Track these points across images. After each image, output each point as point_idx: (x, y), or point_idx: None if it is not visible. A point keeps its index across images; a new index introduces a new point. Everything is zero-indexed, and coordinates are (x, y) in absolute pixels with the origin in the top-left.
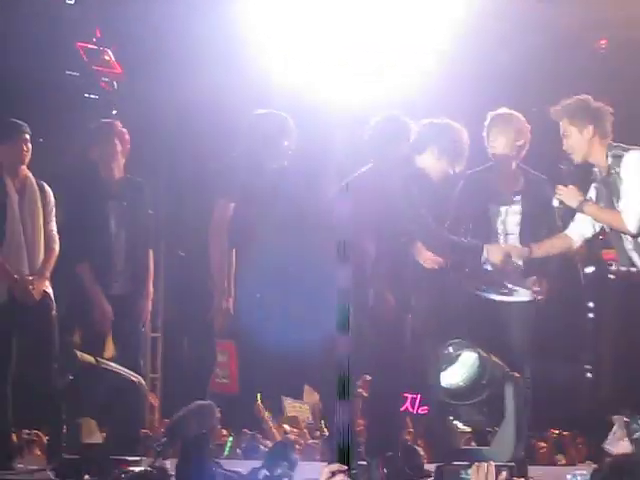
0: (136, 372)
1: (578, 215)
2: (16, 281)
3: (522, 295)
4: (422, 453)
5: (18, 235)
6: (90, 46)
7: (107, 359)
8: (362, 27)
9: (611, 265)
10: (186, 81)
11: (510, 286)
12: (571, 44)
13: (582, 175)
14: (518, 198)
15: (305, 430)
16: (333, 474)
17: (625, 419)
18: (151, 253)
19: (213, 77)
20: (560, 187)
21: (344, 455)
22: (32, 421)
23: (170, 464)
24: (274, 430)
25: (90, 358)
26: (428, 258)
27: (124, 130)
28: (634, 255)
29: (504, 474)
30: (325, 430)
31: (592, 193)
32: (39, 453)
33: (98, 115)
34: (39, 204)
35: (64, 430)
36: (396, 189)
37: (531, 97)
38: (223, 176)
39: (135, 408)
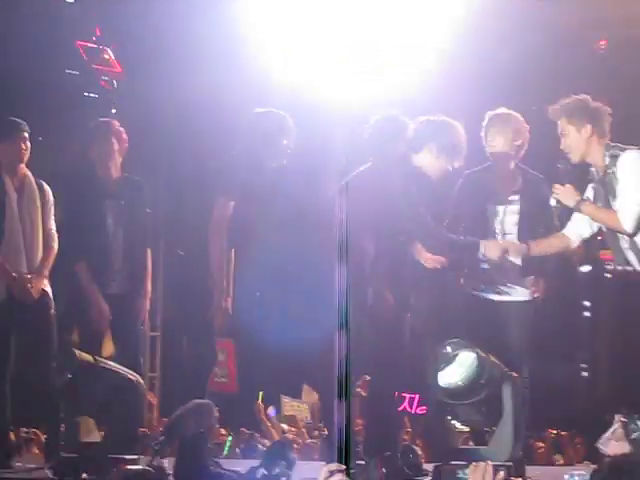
0: (135, 371)
1: (576, 215)
2: (15, 279)
3: (520, 295)
4: (420, 453)
5: (17, 234)
6: (90, 45)
7: (105, 358)
8: (362, 25)
9: (607, 264)
10: (186, 80)
11: (508, 285)
12: (570, 43)
13: (579, 174)
14: (516, 198)
15: (303, 429)
16: (331, 473)
17: (622, 419)
18: (149, 252)
19: (213, 76)
20: (557, 186)
21: (342, 454)
22: (30, 419)
23: (168, 463)
24: (272, 429)
25: (88, 357)
26: (429, 258)
27: (121, 129)
28: (630, 254)
29: (502, 474)
30: (324, 429)
31: (589, 193)
32: (37, 451)
33: (98, 114)
34: (38, 203)
35: (62, 428)
36: (395, 188)
37: (530, 96)
38: (223, 174)
39: (133, 407)
